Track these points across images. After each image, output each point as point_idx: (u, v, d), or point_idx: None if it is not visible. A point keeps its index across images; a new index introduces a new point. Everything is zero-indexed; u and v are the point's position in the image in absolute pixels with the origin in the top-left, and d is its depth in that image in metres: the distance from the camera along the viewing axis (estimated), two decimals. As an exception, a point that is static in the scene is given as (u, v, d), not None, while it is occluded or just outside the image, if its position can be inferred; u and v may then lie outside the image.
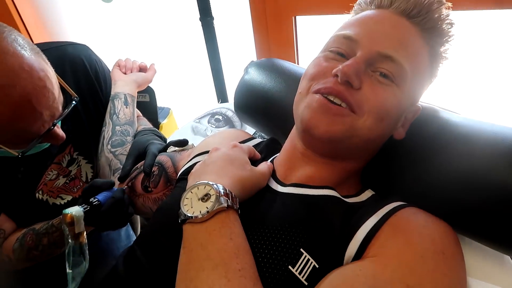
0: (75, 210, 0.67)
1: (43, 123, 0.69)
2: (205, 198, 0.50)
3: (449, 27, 0.61)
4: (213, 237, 0.48)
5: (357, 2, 0.67)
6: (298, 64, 1.40)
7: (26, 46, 0.66)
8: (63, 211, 0.67)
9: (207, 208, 0.49)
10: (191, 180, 0.58)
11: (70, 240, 0.66)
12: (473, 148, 0.58)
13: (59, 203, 0.92)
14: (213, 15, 1.22)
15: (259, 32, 1.34)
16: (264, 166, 0.63)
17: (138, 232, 1.20)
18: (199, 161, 0.65)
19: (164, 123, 1.49)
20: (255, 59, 1.38)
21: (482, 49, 1.18)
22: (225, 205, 0.50)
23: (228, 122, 1.08)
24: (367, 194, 0.62)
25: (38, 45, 0.83)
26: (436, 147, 0.61)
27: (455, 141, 0.60)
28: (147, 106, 1.26)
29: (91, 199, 0.71)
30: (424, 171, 0.60)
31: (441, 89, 0.77)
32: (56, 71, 0.73)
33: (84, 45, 0.96)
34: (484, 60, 1.20)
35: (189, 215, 0.50)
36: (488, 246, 0.59)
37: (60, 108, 0.72)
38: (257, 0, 1.28)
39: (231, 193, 0.52)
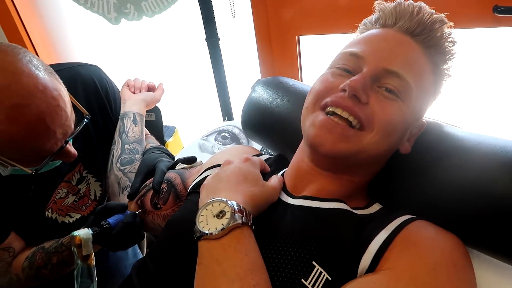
0: (84, 233, 0.68)
1: (56, 141, 0.70)
2: (220, 215, 0.51)
3: (451, 45, 0.63)
4: (228, 253, 0.49)
5: (363, 21, 0.69)
6: (301, 81, 1.43)
7: (40, 66, 0.68)
8: (72, 233, 0.68)
9: (223, 225, 0.50)
10: (204, 193, 0.59)
11: (78, 262, 0.67)
12: (477, 160, 0.59)
13: (67, 221, 0.92)
14: (218, 35, 1.25)
15: (263, 52, 1.37)
16: (275, 180, 0.64)
17: (145, 250, 1.20)
18: (209, 175, 0.66)
19: (169, 141, 1.51)
20: (260, 78, 1.42)
21: (483, 65, 1.20)
22: (240, 221, 0.51)
23: (234, 139, 1.09)
24: (376, 207, 0.63)
25: (51, 66, 0.85)
26: (441, 161, 0.62)
27: (459, 154, 0.61)
28: (153, 125, 1.28)
29: (102, 222, 0.72)
30: (429, 185, 0.62)
31: (445, 104, 0.79)
32: (68, 90, 0.75)
33: (95, 66, 0.98)
34: (484, 76, 1.22)
35: (205, 231, 0.51)
36: (497, 259, 0.60)
37: (72, 126, 0.74)
38: (261, 21, 1.32)
39: (245, 209, 0.53)
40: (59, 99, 0.69)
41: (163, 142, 1.45)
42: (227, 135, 1.10)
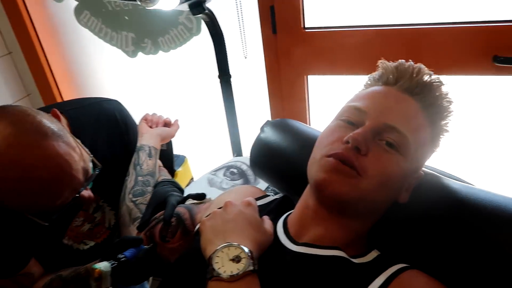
0: (104, 266, 0.71)
1: (65, 199, 0.77)
2: (236, 259, 0.56)
3: (448, 104, 0.68)
4: None
5: (368, 77, 0.75)
6: (309, 119, 1.48)
7: (48, 131, 0.73)
8: (92, 266, 0.71)
9: (238, 269, 0.55)
10: (210, 233, 0.63)
11: None
12: (467, 214, 0.63)
13: (82, 248, 0.97)
14: (230, 73, 1.31)
15: (273, 89, 1.43)
16: (268, 223, 0.69)
17: (150, 282, 1.23)
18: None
19: (179, 171, 1.56)
20: (269, 114, 1.47)
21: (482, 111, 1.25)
22: (252, 268, 0.55)
23: (242, 175, 1.14)
24: (373, 254, 0.67)
25: (77, 101, 0.92)
26: (436, 212, 0.66)
27: (453, 207, 0.65)
28: (164, 154, 1.33)
29: (119, 255, 0.76)
30: (422, 234, 0.66)
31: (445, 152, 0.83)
32: (93, 125, 0.81)
33: (117, 101, 1.05)
34: (483, 121, 1.27)
35: (220, 273, 0.55)
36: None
37: (83, 178, 0.79)
38: (272, 60, 1.39)
39: (255, 257, 0.57)
40: (64, 165, 0.74)
41: (172, 171, 1.50)
42: (235, 171, 1.15)
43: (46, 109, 0.89)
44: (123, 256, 0.76)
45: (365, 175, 0.61)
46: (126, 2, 1.25)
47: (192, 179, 1.63)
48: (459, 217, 0.64)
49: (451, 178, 0.75)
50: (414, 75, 0.67)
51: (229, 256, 0.56)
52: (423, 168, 0.72)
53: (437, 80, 0.68)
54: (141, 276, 0.81)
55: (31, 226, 0.80)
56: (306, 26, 1.31)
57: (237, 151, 1.39)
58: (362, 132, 0.62)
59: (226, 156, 1.48)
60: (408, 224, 0.69)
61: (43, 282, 0.89)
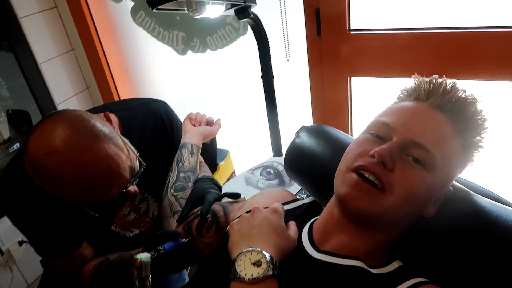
0: (144, 257, 0.78)
1: (113, 195, 0.85)
2: (256, 264, 0.60)
3: (482, 121, 0.67)
4: None
5: (401, 90, 0.75)
6: (351, 122, 1.48)
7: (100, 133, 0.81)
8: (134, 256, 0.78)
9: (258, 273, 0.59)
10: (237, 237, 0.68)
11: (137, 283, 0.77)
12: (498, 235, 0.63)
13: (128, 235, 1.07)
14: (273, 74, 1.35)
15: (315, 91, 1.44)
16: (293, 229, 0.73)
17: (189, 269, 1.32)
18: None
19: (221, 164, 1.63)
20: (310, 115, 1.49)
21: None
22: (271, 273, 0.60)
23: (278, 176, 1.18)
24: (394, 265, 0.68)
25: (127, 101, 1.00)
26: (463, 229, 0.66)
27: (482, 225, 0.65)
28: (208, 148, 1.41)
29: (159, 247, 0.83)
30: (446, 250, 0.66)
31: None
32: (141, 125, 0.91)
33: (163, 101, 1.13)
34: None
35: (242, 275, 0.60)
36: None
37: (129, 176, 0.87)
38: (315, 61, 1.40)
39: (276, 263, 0.62)
40: (112, 165, 0.81)
41: (215, 165, 1.57)
42: (271, 171, 1.19)
43: (101, 109, 0.98)
44: (162, 248, 0.83)
45: (391, 191, 0.63)
46: (175, 12, 1.31)
47: (234, 172, 1.69)
48: (486, 235, 0.64)
49: (485, 193, 0.74)
50: (446, 92, 0.67)
51: (251, 260, 0.61)
52: (455, 183, 0.72)
53: (470, 97, 0.67)
54: (178, 267, 0.88)
55: (84, 215, 0.90)
56: (351, 28, 1.31)
57: (277, 151, 1.43)
58: (388, 148, 0.63)
59: (267, 153, 1.52)
60: (433, 238, 0.69)
61: (93, 263, 1.00)
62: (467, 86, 0.68)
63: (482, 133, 0.68)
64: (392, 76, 1.32)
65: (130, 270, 0.82)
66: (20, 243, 1.77)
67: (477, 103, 0.67)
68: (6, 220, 0.98)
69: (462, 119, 0.67)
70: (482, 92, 0.72)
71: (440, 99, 0.67)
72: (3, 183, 0.94)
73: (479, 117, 0.67)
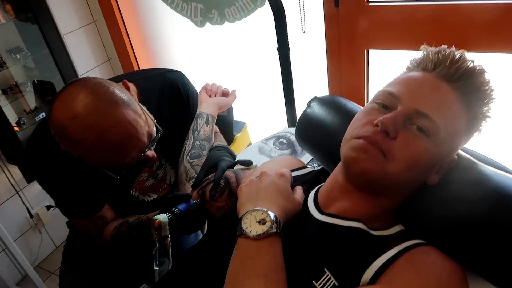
0: (162, 217, 0.82)
1: (132, 158, 0.89)
2: (261, 222, 0.64)
3: (489, 91, 0.68)
4: (261, 253, 0.62)
5: (410, 61, 0.76)
6: (367, 94, 1.48)
7: (119, 100, 0.84)
8: (152, 218, 0.83)
9: (263, 230, 0.63)
10: (244, 198, 0.72)
11: (157, 243, 0.81)
12: (503, 201, 0.64)
13: (146, 200, 1.13)
14: (289, 46, 1.35)
15: (332, 63, 1.44)
16: (299, 193, 0.76)
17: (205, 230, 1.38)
18: None
19: (238, 136, 1.67)
20: (327, 87, 1.50)
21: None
22: (275, 231, 0.63)
23: (290, 145, 1.21)
24: (396, 228, 0.71)
25: (145, 71, 1.04)
26: (466, 196, 0.68)
27: (486, 193, 0.66)
28: (225, 120, 1.44)
29: (173, 209, 0.88)
30: (447, 215, 0.68)
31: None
32: (158, 94, 0.96)
33: (179, 72, 1.16)
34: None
35: (247, 232, 0.64)
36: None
37: (147, 141, 0.91)
38: (332, 33, 1.39)
39: (280, 222, 0.65)
40: (131, 130, 0.85)
41: (232, 136, 1.61)
42: (284, 141, 1.22)
43: (119, 78, 1.02)
44: (177, 209, 0.88)
45: (391, 158, 0.65)
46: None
47: (250, 143, 1.73)
48: (488, 204, 0.65)
49: (491, 163, 0.75)
50: (454, 62, 0.67)
51: (256, 219, 0.65)
52: (460, 152, 0.73)
53: (478, 68, 0.67)
54: (193, 227, 0.93)
55: (105, 178, 0.95)
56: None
57: (292, 122, 1.45)
58: (391, 117, 0.65)
59: (283, 124, 1.55)
60: (437, 204, 0.71)
61: (113, 225, 1.06)
62: (496, 62, 0.68)
63: (490, 103, 0.69)
64: (411, 49, 1.30)
65: (148, 232, 0.87)
66: (48, 207, 1.88)
67: (485, 73, 0.67)
68: (34, 186, 1.05)
69: (469, 89, 0.67)
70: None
71: (447, 69, 0.68)
72: (31, 148, 0.99)
73: (487, 87, 0.67)
